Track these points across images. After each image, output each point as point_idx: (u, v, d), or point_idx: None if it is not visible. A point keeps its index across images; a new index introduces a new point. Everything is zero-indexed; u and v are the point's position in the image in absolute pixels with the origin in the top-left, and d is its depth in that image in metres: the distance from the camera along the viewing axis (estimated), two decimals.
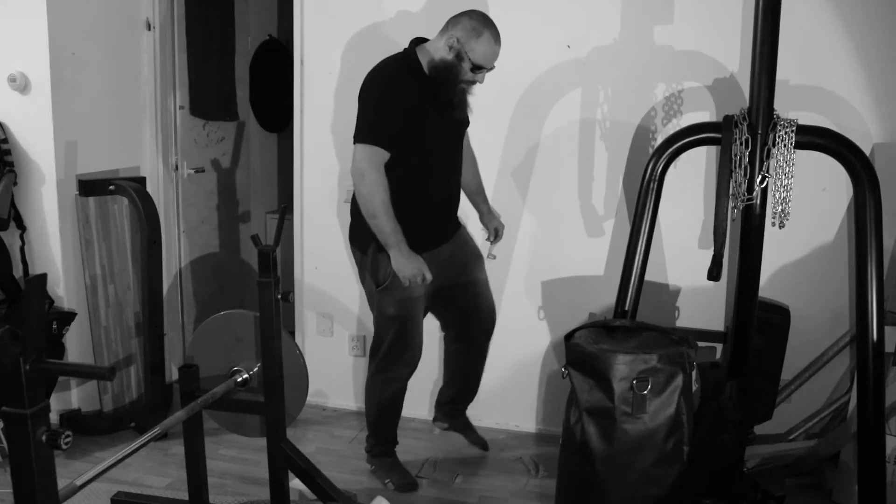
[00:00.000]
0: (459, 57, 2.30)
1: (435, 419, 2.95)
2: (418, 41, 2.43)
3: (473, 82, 2.38)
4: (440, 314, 2.76)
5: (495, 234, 2.72)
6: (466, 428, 2.92)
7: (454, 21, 2.33)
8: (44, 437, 1.35)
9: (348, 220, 3.11)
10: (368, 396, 2.65)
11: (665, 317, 2.89)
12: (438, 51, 2.33)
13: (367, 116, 2.30)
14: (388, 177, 2.29)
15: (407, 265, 2.33)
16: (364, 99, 2.34)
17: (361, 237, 2.46)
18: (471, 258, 2.66)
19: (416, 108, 2.31)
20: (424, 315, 2.61)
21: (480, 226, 2.77)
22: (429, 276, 2.36)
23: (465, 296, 2.66)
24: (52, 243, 2.88)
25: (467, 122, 2.54)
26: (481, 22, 2.31)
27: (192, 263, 3.66)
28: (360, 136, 2.29)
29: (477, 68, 2.32)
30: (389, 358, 2.54)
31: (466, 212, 2.76)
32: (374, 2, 2.95)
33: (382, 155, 2.28)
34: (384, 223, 2.29)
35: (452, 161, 2.53)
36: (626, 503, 2.12)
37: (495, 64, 2.38)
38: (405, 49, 2.41)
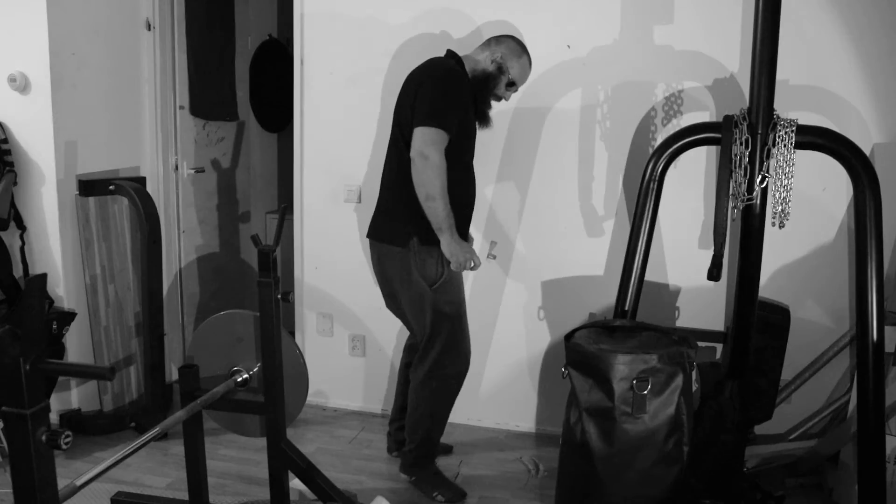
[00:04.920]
0: (500, 70, 2.49)
1: (390, 450, 2.87)
2: (455, 52, 2.55)
3: (500, 98, 2.57)
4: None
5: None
6: None
7: (498, 40, 2.53)
8: (44, 437, 1.35)
9: (349, 220, 3.12)
10: (419, 404, 2.56)
11: (665, 317, 2.89)
12: (480, 63, 2.51)
13: (433, 102, 2.33)
14: None
15: (461, 250, 2.34)
16: (430, 88, 2.36)
17: (400, 232, 2.44)
18: None
19: (468, 106, 2.44)
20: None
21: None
22: (478, 262, 2.38)
23: None
24: (52, 243, 2.88)
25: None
26: (522, 46, 2.54)
27: (192, 263, 3.66)
28: (425, 119, 2.30)
29: (510, 84, 2.53)
30: (446, 359, 2.49)
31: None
32: (375, 3, 2.95)
33: (445, 138, 2.31)
34: (441, 206, 2.30)
35: (473, 167, 2.59)
36: (626, 503, 2.12)
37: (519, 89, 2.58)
38: (449, 56, 2.52)
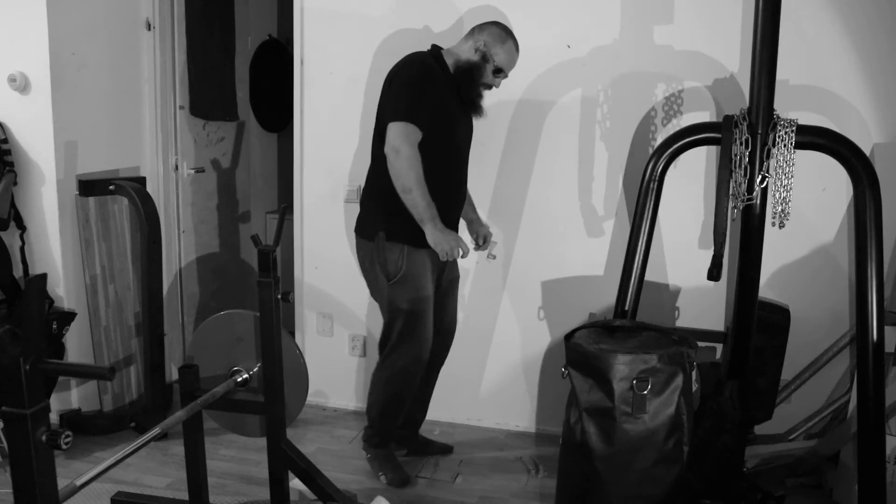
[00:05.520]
0: (485, 59, 2.46)
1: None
2: (438, 47, 2.55)
3: (490, 86, 2.53)
4: None
5: (484, 240, 2.73)
6: (425, 446, 2.88)
7: (481, 28, 2.50)
8: (44, 437, 1.35)
9: (348, 220, 3.12)
10: (373, 389, 2.65)
11: (665, 317, 2.89)
12: (464, 53, 2.49)
13: (401, 97, 2.37)
14: None
15: (444, 239, 2.35)
16: (397, 82, 2.42)
17: (370, 226, 2.51)
18: (452, 275, 2.69)
19: (442, 100, 2.43)
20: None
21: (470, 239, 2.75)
22: (465, 249, 2.39)
23: (438, 300, 2.63)
24: (52, 243, 2.88)
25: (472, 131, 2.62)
26: (506, 31, 2.50)
27: (192, 263, 3.66)
28: (396, 114, 2.35)
29: (497, 71, 2.49)
30: (398, 352, 2.54)
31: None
32: (375, 1, 2.95)
33: (416, 133, 2.34)
34: (419, 198, 2.33)
35: (464, 160, 2.61)
36: (626, 503, 2.12)
37: (510, 73, 2.52)
38: (429, 50, 2.52)
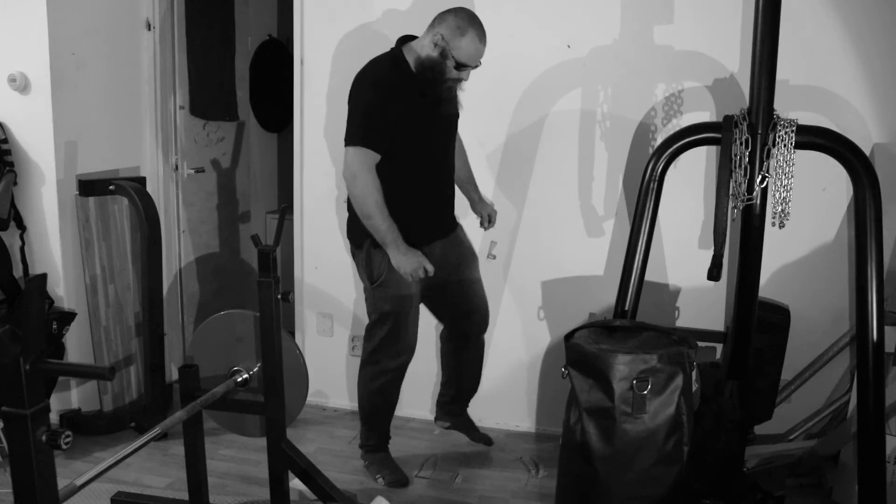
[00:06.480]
0: (444, 55, 2.30)
1: (437, 418, 2.97)
2: (405, 39, 2.44)
3: (459, 80, 2.38)
4: (434, 311, 2.79)
5: (488, 219, 2.73)
6: (468, 426, 2.94)
7: (440, 18, 2.33)
8: (44, 437, 1.35)
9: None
10: (359, 389, 2.67)
11: (665, 317, 2.89)
12: (424, 48, 2.34)
13: (356, 119, 2.34)
14: (380, 175, 2.33)
15: (406, 261, 2.36)
16: (353, 102, 2.37)
17: (357, 233, 2.51)
18: (465, 258, 2.68)
19: (404, 108, 2.34)
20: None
21: (475, 218, 2.78)
22: (430, 268, 2.39)
23: (456, 295, 2.68)
24: (52, 243, 2.88)
25: (457, 117, 2.55)
26: (466, 20, 2.31)
27: (192, 263, 3.66)
28: (350, 138, 2.33)
29: (461, 66, 2.33)
30: (380, 352, 2.57)
31: (461, 212, 2.76)
32: (376, 2, 2.95)
33: (373, 157, 2.32)
34: (379, 223, 2.33)
35: (444, 157, 2.56)
36: (626, 503, 2.12)
37: (481, 62, 2.38)
38: (392, 48, 2.43)
